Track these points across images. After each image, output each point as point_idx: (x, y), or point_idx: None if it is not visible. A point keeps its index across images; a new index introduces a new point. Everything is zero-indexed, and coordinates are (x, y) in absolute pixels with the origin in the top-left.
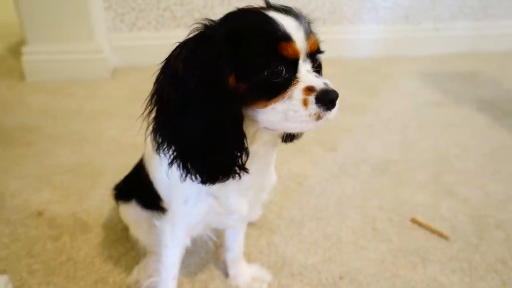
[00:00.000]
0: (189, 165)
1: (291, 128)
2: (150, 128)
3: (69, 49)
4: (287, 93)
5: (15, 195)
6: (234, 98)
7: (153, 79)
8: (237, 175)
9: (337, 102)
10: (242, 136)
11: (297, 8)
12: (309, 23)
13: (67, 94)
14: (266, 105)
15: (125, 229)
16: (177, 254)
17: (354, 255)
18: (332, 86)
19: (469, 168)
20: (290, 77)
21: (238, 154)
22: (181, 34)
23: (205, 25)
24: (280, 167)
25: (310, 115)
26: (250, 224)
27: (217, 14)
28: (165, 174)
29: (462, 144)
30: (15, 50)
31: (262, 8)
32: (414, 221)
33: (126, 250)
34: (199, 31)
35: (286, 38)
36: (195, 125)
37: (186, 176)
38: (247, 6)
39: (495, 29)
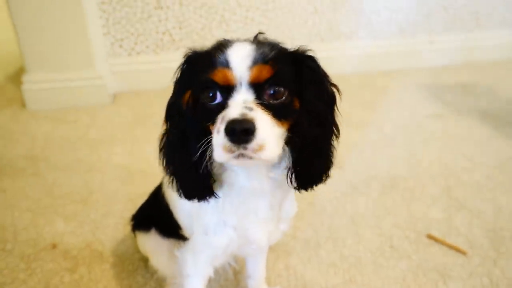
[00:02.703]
0: (174, 181)
1: (215, 157)
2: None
3: (69, 77)
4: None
5: (28, 227)
6: (185, 115)
7: (154, 104)
8: (206, 198)
9: (257, 138)
10: (199, 155)
11: (271, 39)
12: (276, 53)
13: (69, 122)
14: (213, 129)
15: (142, 259)
16: (200, 285)
17: (374, 275)
18: (252, 117)
19: (478, 181)
20: (222, 104)
21: (197, 174)
22: (180, 57)
23: (191, 51)
24: None
25: (218, 145)
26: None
27: (215, 36)
28: (185, 203)
29: (468, 156)
30: (15, 79)
31: (246, 39)
32: (430, 237)
33: (145, 281)
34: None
35: (221, 64)
36: (167, 142)
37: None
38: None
39: (487, 40)
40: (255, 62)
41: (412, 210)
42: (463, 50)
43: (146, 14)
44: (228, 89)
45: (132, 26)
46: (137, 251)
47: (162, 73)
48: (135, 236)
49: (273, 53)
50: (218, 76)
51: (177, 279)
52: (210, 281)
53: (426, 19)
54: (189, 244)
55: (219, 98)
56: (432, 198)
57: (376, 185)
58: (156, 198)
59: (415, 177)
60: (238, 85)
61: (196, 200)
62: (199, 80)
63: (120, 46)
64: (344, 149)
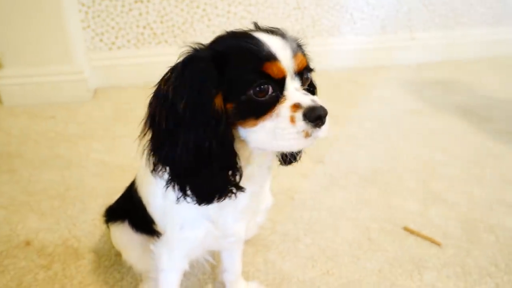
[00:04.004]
0: (185, 187)
1: (281, 147)
2: (146, 150)
3: (48, 72)
4: (275, 111)
5: (1, 224)
6: (221, 118)
7: (135, 99)
8: (233, 195)
9: (327, 119)
10: (234, 155)
11: (284, 29)
12: (297, 42)
13: (47, 117)
14: (255, 124)
15: (119, 254)
16: (175, 279)
17: (351, 267)
18: (320, 103)
19: (454, 174)
20: (277, 95)
21: (231, 173)
22: (162, 51)
23: (194, 48)
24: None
25: (298, 132)
26: (245, 241)
27: (196, 30)
28: (159, 198)
29: (445, 150)
30: None
31: (250, 30)
32: (406, 229)
33: (122, 276)
34: (187, 54)
35: (271, 57)
36: (186, 148)
37: (183, 197)
38: (236, 29)
39: (466, 37)
40: (294, 52)
41: (390, 203)
42: (443, 47)
43: (126, 8)
44: (279, 81)
45: (112, 20)
46: (114, 246)
47: (144, 67)
48: (109, 229)
49: (295, 43)
50: (271, 69)
51: (152, 273)
52: (187, 274)
53: (407, 16)
54: (163, 239)
55: (270, 90)
56: (409, 191)
57: (355, 178)
58: (131, 192)
59: (393, 171)
60: (287, 75)
61: (219, 200)
62: (245, 77)
63: (101, 40)
64: (325, 144)
